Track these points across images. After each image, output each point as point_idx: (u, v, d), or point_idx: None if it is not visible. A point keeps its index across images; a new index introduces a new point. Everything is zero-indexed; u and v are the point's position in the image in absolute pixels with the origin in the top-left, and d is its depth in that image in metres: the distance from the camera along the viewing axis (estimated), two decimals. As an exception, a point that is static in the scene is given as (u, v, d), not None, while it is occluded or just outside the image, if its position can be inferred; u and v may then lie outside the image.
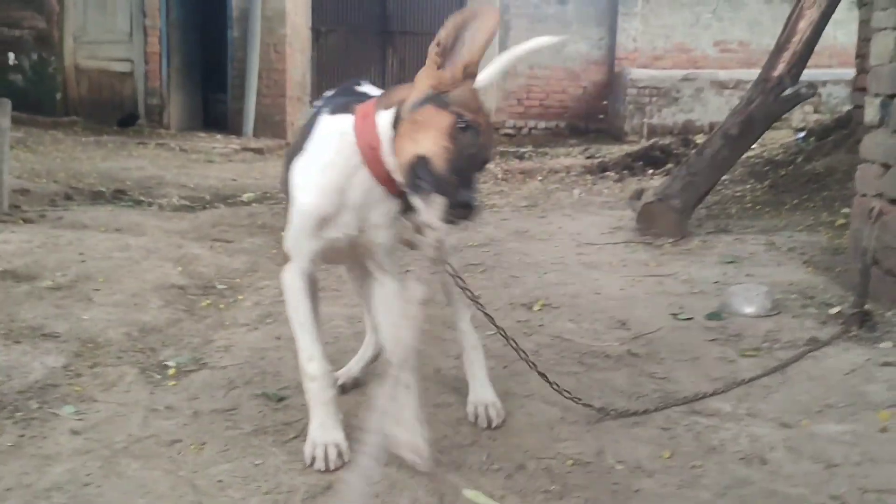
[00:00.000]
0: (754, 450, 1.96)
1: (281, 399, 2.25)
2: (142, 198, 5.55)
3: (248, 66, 10.20)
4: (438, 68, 1.57)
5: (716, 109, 11.06)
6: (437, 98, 1.55)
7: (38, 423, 2.03)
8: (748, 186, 6.45)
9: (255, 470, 1.80)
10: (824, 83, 10.12)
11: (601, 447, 1.96)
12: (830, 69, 10.68)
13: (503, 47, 12.65)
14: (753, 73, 10.66)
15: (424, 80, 1.59)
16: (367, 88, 1.94)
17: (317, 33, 11.90)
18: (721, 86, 11.21)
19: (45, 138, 8.45)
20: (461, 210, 1.46)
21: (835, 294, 3.34)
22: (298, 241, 1.77)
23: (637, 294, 3.52)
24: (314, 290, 1.86)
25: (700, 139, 9.14)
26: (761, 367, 2.52)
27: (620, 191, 7.03)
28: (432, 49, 1.57)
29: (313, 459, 1.79)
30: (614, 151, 9.64)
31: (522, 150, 10.96)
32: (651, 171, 7.79)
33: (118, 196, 5.56)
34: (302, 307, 1.84)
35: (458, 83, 1.57)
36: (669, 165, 7.78)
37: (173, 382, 2.35)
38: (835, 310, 3.09)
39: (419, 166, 1.50)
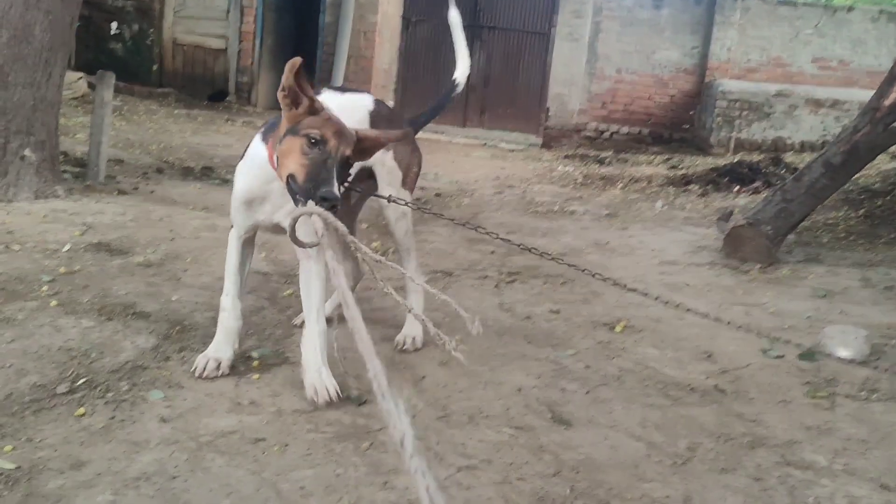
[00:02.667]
0: (853, 513, 1.86)
1: (361, 403, 2.24)
2: (228, 177, 5.65)
3: (337, 52, 10.32)
4: (290, 110, 2.06)
5: (809, 128, 10.65)
6: (293, 129, 2.04)
7: (128, 406, 2.07)
8: (841, 214, 6.18)
9: (336, 480, 1.79)
10: (930, 110, 9.61)
11: (689, 492, 1.89)
12: (938, 95, 10.14)
13: (592, 51, 12.47)
14: (853, 94, 10.32)
15: (284, 121, 2.08)
16: None
17: (406, 23, 11.92)
18: (817, 104, 10.74)
19: (140, 107, 8.72)
20: (325, 202, 1.90)
21: (937, 344, 3.17)
22: (235, 216, 2.40)
23: (723, 323, 3.40)
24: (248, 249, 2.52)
25: (790, 158, 8.82)
26: (857, 419, 2.40)
27: (704, 206, 6.82)
28: (280, 96, 2.05)
29: (195, 367, 2.31)
30: (698, 164, 9.37)
31: (603, 154, 10.76)
32: (737, 188, 7.51)
33: (206, 173, 5.69)
34: (232, 258, 2.45)
35: (305, 115, 2.05)
36: (756, 184, 7.51)
37: (257, 376, 2.37)
38: (938, 362, 2.93)
39: (290, 181, 2.00)
